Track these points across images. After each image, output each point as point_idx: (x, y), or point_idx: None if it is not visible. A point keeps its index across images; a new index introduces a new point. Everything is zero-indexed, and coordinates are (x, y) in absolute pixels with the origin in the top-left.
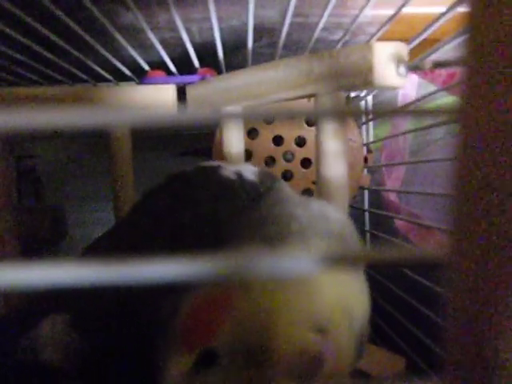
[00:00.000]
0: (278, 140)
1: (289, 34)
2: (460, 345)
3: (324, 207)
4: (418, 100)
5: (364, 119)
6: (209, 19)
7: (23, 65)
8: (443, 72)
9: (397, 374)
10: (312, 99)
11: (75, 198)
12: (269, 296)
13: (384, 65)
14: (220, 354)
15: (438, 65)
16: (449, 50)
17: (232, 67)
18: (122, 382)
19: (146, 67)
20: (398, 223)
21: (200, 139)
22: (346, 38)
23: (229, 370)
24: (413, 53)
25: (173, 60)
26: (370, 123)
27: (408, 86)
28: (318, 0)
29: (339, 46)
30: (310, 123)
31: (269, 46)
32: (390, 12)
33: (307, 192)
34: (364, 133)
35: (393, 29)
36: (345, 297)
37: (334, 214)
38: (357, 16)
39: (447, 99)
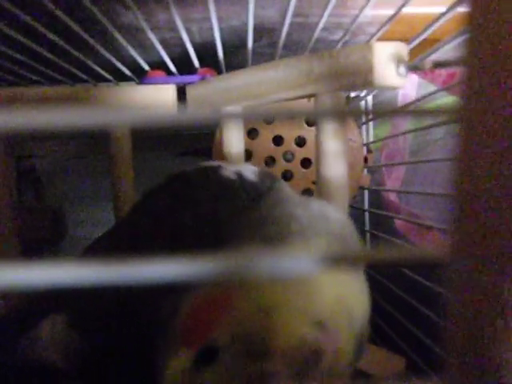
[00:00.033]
0: (278, 140)
1: (289, 34)
2: (460, 345)
3: (324, 207)
4: (418, 100)
5: (364, 119)
6: (209, 19)
7: (23, 65)
8: (443, 72)
9: (397, 374)
10: (312, 99)
11: (75, 198)
12: (269, 296)
13: (384, 65)
14: (220, 351)
15: (438, 65)
16: (449, 50)
17: (232, 67)
18: (122, 382)
19: (146, 67)
20: (398, 223)
21: (200, 139)
22: (346, 37)
23: (229, 367)
24: (413, 53)
25: (173, 60)
26: (370, 123)
27: (408, 86)
28: (318, 0)
29: (339, 46)
30: (310, 123)
31: (269, 45)
32: (390, 12)
33: (307, 192)
34: (364, 133)
35: (393, 29)
36: (345, 297)
37: (333, 214)
38: (357, 16)
39: (447, 99)
